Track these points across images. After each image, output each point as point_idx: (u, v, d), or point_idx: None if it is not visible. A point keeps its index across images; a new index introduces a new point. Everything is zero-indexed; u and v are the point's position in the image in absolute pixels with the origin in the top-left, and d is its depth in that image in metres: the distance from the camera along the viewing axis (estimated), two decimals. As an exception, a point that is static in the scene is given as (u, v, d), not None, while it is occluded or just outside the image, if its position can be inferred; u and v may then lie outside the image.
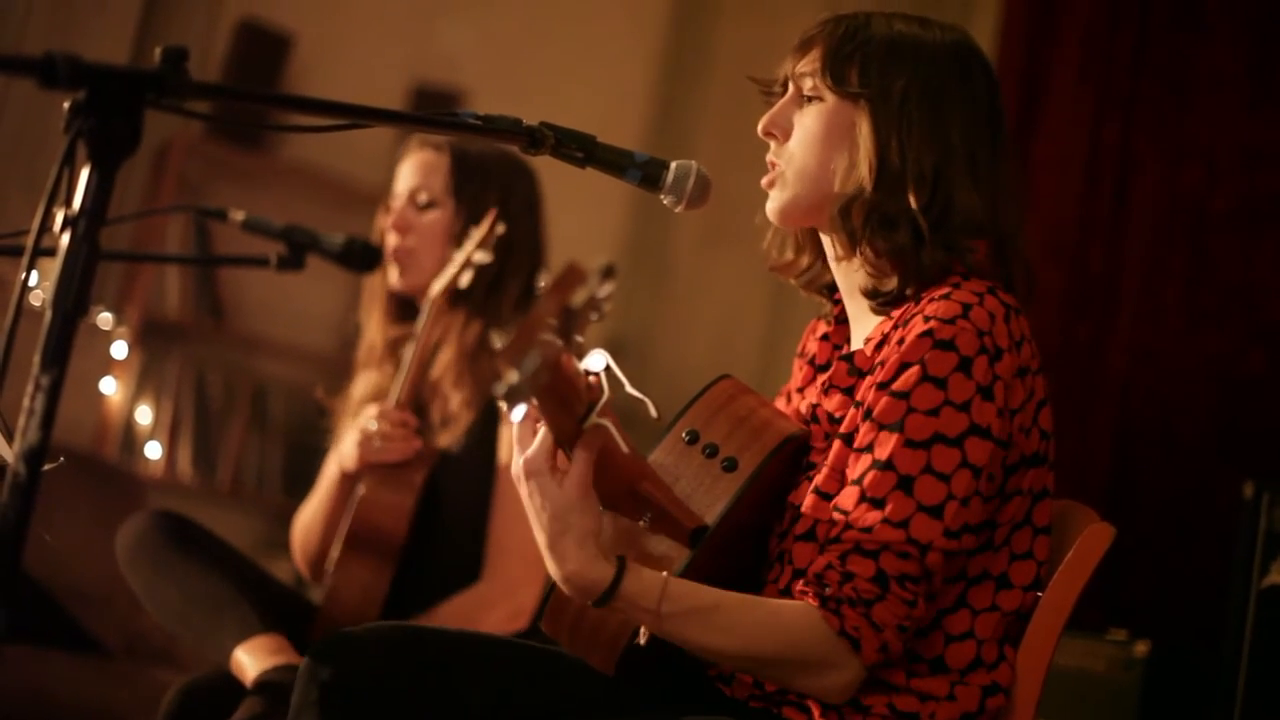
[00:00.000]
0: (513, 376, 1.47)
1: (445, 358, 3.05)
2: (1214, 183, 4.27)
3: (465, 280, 2.96)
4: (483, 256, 2.96)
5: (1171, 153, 4.36)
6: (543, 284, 1.60)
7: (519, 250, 3.07)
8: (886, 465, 1.81)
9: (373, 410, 2.97)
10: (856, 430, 1.88)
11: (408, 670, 1.91)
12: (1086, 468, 4.20)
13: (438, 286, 2.98)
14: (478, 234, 2.95)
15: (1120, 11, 4.52)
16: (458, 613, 2.89)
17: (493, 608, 2.90)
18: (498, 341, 1.48)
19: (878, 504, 1.80)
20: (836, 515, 1.83)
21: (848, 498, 1.83)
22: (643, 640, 1.83)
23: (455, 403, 3.04)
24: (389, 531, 2.92)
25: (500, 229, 2.98)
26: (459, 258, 2.97)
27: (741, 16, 5.82)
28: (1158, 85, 4.43)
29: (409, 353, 2.99)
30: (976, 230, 1.94)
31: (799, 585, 1.82)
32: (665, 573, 1.79)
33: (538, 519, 1.76)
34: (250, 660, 2.72)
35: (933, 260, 1.91)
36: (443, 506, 3.01)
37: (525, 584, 2.94)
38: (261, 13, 5.15)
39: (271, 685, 2.61)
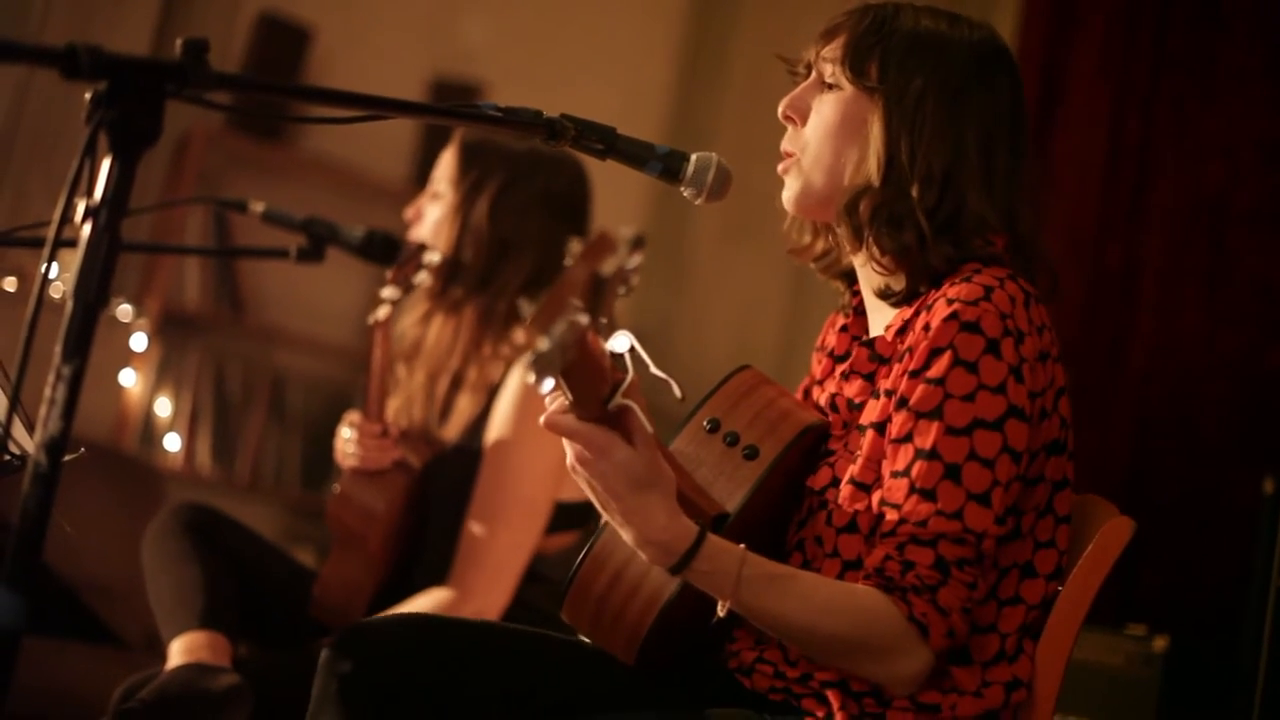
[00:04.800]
0: (542, 344, 1.45)
1: (440, 348, 3.04)
2: (1234, 180, 4.27)
3: (383, 313, 2.92)
4: (424, 277, 2.94)
5: (1191, 150, 4.36)
6: (573, 252, 1.58)
7: (520, 244, 3.01)
8: (932, 454, 1.81)
9: (352, 417, 2.96)
10: (889, 420, 1.87)
11: (427, 661, 1.90)
12: (1106, 463, 4.20)
13: (379, 314, 2.94)
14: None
15: (1140, 8, 4.52)
16: None
17: (454, 612, 2.80)
18: (527, 309, 1.46)
19: (929, 495, 1.80)
20: (888, 510, 1.83)
21: (896, 491, 1.83)
22: (722, 611, 1.78)
23: (457, 396, 3.03)
24: (357, 532, 2.89)
25: (433, 258, 2.93)
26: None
27: (761, 9, 5.82)
28: (1178, 82, 4.42)
29: (374, 368, 2.94)
30: (990, 233, 1.94)
31: (859, 579, 1.82)
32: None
33: (610, 483, 1.72)
34: (173, 655, 2.68)
35: (940, 258, 1.91)
36: (437, 500, 2.98)
37: (490, 589, 2.86)
38: (281, 6, 5.16)
39: (128, 712, 2.53)
